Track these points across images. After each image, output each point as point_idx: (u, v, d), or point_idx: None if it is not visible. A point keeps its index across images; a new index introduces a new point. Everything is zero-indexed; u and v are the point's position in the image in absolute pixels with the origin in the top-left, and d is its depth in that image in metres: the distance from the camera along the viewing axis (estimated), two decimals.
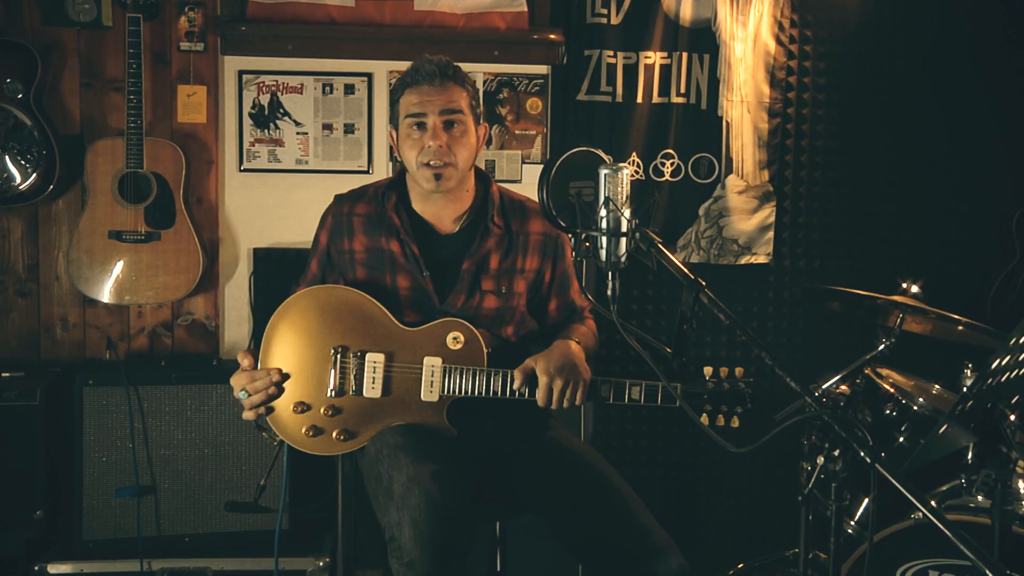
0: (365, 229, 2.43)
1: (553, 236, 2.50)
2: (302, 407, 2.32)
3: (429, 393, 2.32)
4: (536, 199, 2.07)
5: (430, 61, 2.37)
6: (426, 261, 2.40)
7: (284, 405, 2.33)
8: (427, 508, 2.06)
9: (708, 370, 2.27)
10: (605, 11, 3.73)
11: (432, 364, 2.32)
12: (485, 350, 2.33)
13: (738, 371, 2.26)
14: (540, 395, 2.26)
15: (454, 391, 2.31)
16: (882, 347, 2.67)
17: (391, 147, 3.70)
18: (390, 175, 3.40)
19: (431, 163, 2.33)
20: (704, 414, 2.24)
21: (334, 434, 2.31)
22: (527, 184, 3.72)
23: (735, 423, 2.24)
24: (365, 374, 2.32)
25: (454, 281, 2.40)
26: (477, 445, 2.38)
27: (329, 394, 2.31)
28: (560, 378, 2.25)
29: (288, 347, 2.34)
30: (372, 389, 2.32)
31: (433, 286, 2.39)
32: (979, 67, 3.82)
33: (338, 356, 2.32)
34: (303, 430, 2.32)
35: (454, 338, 2.34)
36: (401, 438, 2.23)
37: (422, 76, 2.35)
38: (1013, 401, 2.31)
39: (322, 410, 2.32)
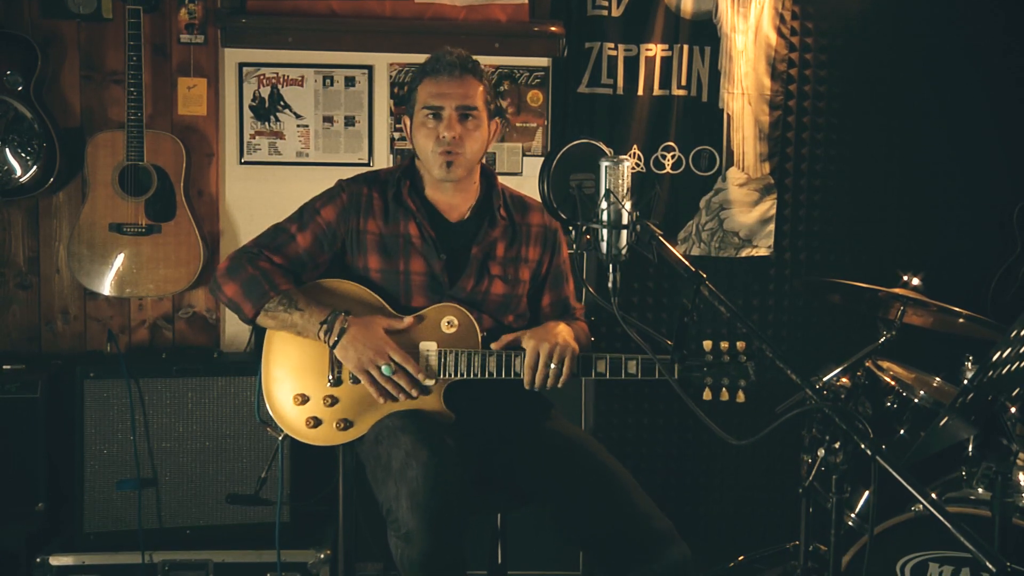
0: (384, 213, 2.44)
1: (552, 229, 2.55)
2: (302, 398, 2.34)
3: (425, 377, 2.33)
4: (534, 195, 2.08)
5: (450, 52, 2.40)
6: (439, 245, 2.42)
7: (285, 398, 2.35)
8: (424, 479, 2.07)
9: (708, 344, 2.23)
10: (606, 3, 3.73)
11: (427, 348, 2.34)
12: (479, 333, 2.35)
13: (740, 344, 2.23)
14: (527, 362, 2.27)
15: (449, 373, 2.33)
16: (883, 340, 2.67)
17: (391, 139, 3.72)
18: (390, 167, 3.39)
19: (443, 151, 2.36)
20: (706, 388, 2.21)
21: (334, 424, 2.33)
22: (528, 176, 3.72)
23: (740, 398, 2.21)
24: None
25: (464, 266, 2.43)
26: (478, 434, 2.40)
27: (327, 383, 2.33)
28: (547, 343, 2.26)
29: (288, 340, 2.36)
30: None
31: (444, 271, 2.41)
32: (979, 60, 3.81)
33: None
34: (304, 421, 2.33)
35: (448, 322, 2.36)
36: (400, 420, 2.26)
37: (442, 67, 2.38)
38: (1014, 394, 2.30)
39: (321, 400, 2.33)
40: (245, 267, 2.35)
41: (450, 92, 2.37)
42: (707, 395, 2.21)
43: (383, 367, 2.26)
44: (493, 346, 2.32)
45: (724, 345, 2.23)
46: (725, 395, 2.21)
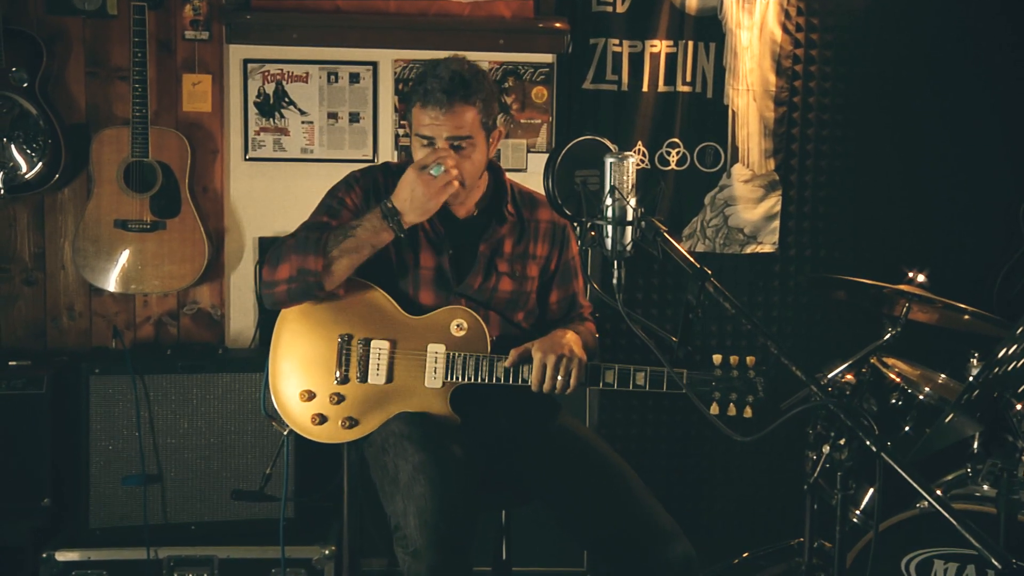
0: None
1: (560, 225, 2.54)
2: (309, 395, 2.34)
3: (433, 380, 2.33)
4: (539, 191, 2.07)
5: (438, 77, 2.28)
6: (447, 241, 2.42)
7: (292, 393, 2.35)
8: (432, 497, 2.08)
9: (717, 358, 2.22)
10: None
11: (436, 351, 2.33)
12: (488, 337, 2.35)
13: (749, 360, 2.22)
14: (534, 373, 2.26)
15: (457, 377, 2.32)
16: (888, 336, 2.67)
17: (396, 136, 3.73)
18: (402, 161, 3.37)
19: None
20: (714, 403, 2.21)
21: (339, 422, 2.33)
22: (532, 173, 3.71)
23: (748, 413, 2.20)
24: (370, 361, 2.34)
25: (471, 263, 2.42)
26: (484, 434, 2.40)
27: (335, 381, 2.33)
28: (553, 355, 2.25)
29: (297, 335, 2.37)
30: (377, 376, 2.34)
31: (451, 267, 2.41)
32: (984, 57, 3.80)
33: (344, 343, 2.34)
34: (309, 418, 2.33)
35: (457, 325, 2.35)
36: (407, 427, 2.25)
37: (431, 98, 2.28)
38: (1019, 390, 2.31)
39: (328, 397, 2.33)
40: (285, 242, 2.33)
41: (440, 124, 2.29)
42: (714, 409, 2.19)
43: (432, 170, 2.23)
44: (505, 364, 2.29)
45: (734, 360, 2.22)
46: (732, 410, 2.20)
